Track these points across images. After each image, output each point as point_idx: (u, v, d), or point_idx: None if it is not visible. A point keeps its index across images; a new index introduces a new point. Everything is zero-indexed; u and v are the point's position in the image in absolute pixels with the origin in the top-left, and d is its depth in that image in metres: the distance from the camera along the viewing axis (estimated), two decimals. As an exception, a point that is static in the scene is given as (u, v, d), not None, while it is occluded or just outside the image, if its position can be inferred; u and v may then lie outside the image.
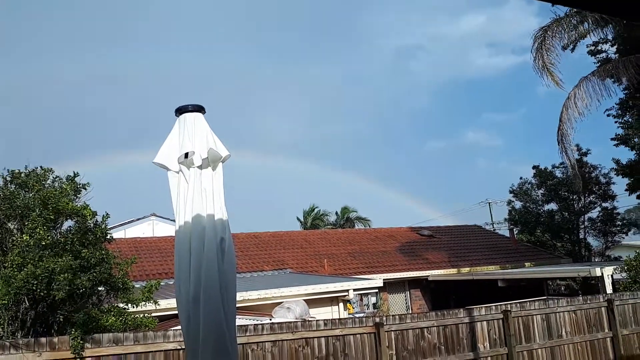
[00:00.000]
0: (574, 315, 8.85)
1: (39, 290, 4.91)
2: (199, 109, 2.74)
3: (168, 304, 9.26)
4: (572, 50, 14.52)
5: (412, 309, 18.19)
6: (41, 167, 6.00)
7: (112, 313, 5.89)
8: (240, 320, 7.47)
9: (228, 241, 2.57)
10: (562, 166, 23.66)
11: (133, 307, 6.41)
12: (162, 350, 5.92)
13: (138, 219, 25.00)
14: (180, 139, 2.63)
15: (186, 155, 2.59)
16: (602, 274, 13.00)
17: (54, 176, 5.98)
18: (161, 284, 9.79)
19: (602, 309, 9.16)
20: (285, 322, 7.04)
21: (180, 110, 2.70)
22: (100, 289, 6.07)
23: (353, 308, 12.76)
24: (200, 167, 2.62)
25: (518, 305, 8.51)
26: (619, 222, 25.88)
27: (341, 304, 11.73)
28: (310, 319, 9.13)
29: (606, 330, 9.05)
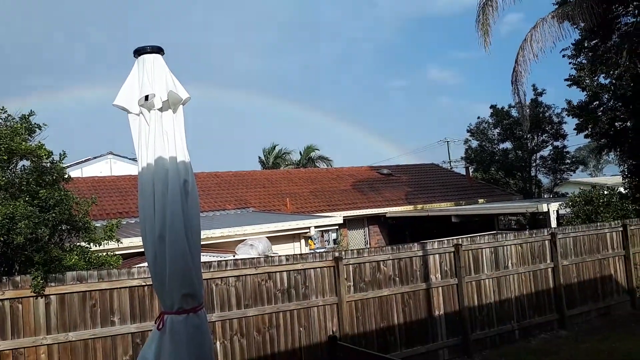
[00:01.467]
0: (520, 248, 9.46)
1: (-1, 235, 4.87)
2: (158, 50, 2.70)
3: (131, 242, 9.34)
4: None
5: (370, 244, 18.92)
6: (-8, 106, 5.76)
7: (75, 252, 5.93)
8: (204, 257, 7.66)
9: (191, 183, 2.63)
10: (517, 106, 24.31)
11: (95, 246, 6.45)
12: (126, 287, 6.06)
13: (95, 158, 24.40)
14: (139, 81, 2.61)
15: (146, 97, 2.59)
16: (549, 209, 13.80)
17: (6, 115, 5.77)
18: (122, 222, 9.81)
19: (546, 242, 9.82)
20: (249, 258, 7.27)
21: (138, 52, 2.65)
22: (61, 228, 6.06)
23: (314, 244, 13.18)
24: (160, 110, 2.63)
25: (469, 239, 9.02)
26: (568, 161, 27.14)
27: (303, 241, 12.10)
28: (272, 254, 9.42)
29: (548, 262, 9.76)
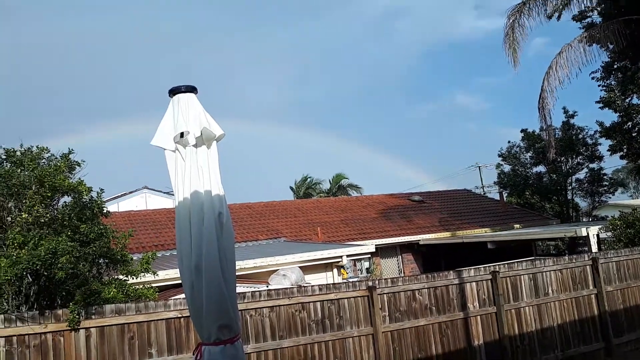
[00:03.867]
0: (559, 274, 9.17)
1: (42, 269, 5.05)
2: (192, 89, 2.83)
3: (166, 275, 9.50)
4: (558, 18, 14.52)
5: (404, 273, 18.64)
6: (37, 146, 6.07)
7: (113, 285, 6.07)
8: (237, 289, 7.70)
9: (226, 215, 2.71)
10: (545, 132, 24.01)
11: (133, 278, 6.59)
12: (163, 319, 6.13)
13: (130, 192, 25.11)
14: (174, 119, 2.73)
15: (182, 135, 2.70)
16: (588, 233, 13.36)
17: (49, 155, 6.05)
18: (157, 255, 10.01)
19: (587, 267, 9.48)
20: (282, 289, 7.27)
21: (173, 91, 2.78)
22: (99, 262, 6.23)
23: (347, 273, 13.09)
24: (195, 146, 2.73)
25: (506, 265, 8.80)
26: (605, 183, 26.34)
27: (335, 270, 12.04)
28: (305, 284, 9.40)
29: (591, 288, 9.40)
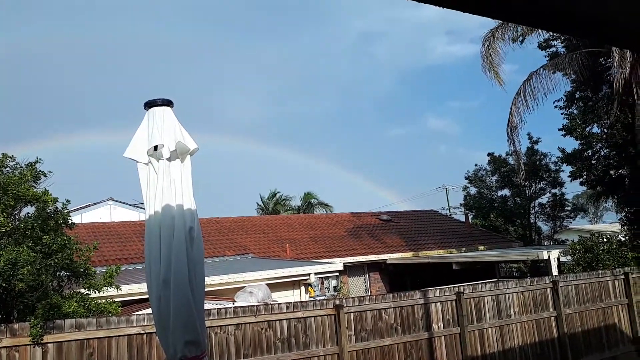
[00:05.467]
0: (522, 296, 9.38)
1: (0, 280, 4.88)
2: (168, 102, 2.84)
3: (130, 289, 9.26)
4: (521, 42, 15.13)
5: (371, 292, 18.69)
6: (2, 154, 5.89)
7: (75, 299, 5.90)
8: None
9: (197, 230, 2.70)
10: (513, 155, 24.74)
11: (95, 292, 6.42)
12: (125, 335, 5.98)
13: (95, 204, 24.47)
14: (149, 132, 2.73)
15: (155, 147, 2.69)
16: (549, 257, 13.74)
17: (14, 163, 5.88)
18: (121, 269, 9.76)
19: (548, 290, 9.74)
20: (248, 306, 7.20)
21: (149, 104, 2.78)
22: (61, 274, 6.05)
23: (314, 291, 13.05)
24: (169, 159, 2.73)
25: (470, 287, 8.96)
26: (567, 208, 27.21)
27: (303, 288, 11.99)
28: (272, 302, 9.32)
29: (551, 310, 9.65)
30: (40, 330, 5.35)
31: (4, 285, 4.98)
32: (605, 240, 13.14)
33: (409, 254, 19.35)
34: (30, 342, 5.44)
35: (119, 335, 5.94)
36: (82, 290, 6.26)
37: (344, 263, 14.82)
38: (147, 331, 5.97)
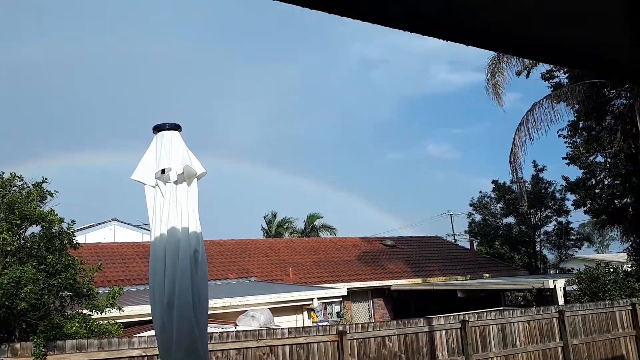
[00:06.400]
0: (527, 325, 9.26)
1: (4, 299, 4.88)
2: (176, 127, 2.88)
3: (132, 311, 9.21)
4: (527, 76, 15.33)
5: (374, 318, 18.48)
6: (10, 173, 5.96)
7: (77, 320, 5.88)
8: (204, 328, 7.50)
9: (201, 253, 2.72)
10: (516, 184, 24.76)
11: (97, 313, 6.39)
12: (126, 357, 5.94)
13: (99, 224, 24.51)
14: (157, 155, 2.77)
15: (163, 171, 2.73)
16: (555, 286, 13.59)
17: (21, 182, 5.94)
18: (124, 290, 9.73)
19: (554, 319, 9.61)
20: (250, 330, 7.15)
21: (157, 128, 2.83)
22: (63, 294, 6.05)
23: (317, 316, 12.92)
24: (176, 183, 2.76)
25: (475, 315, 8.86)
26: (572, 237, 27.00)
27: (305, 313, 11.88)
28: (274, 327, 9.24)
29: (557, 340, 9.50)
30: (43, 350, 5.33)
31: (6, 303, 4.98)
32: (611, 270, 13.01)
33: (413, 280, 19.18)
34: (31, 363, 5.41)
35: (120, 357, 5.90)
36: (85, 311, 6.24)
37: (347, 288, 14.70)
38: (148, 354, 5.93)
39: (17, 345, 5.42)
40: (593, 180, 16.58)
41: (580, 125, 16.13)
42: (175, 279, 2.60)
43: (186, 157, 2.79)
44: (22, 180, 5.93)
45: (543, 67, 14.97)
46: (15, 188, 5.94)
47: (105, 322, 6.37)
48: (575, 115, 15.46)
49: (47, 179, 6.07)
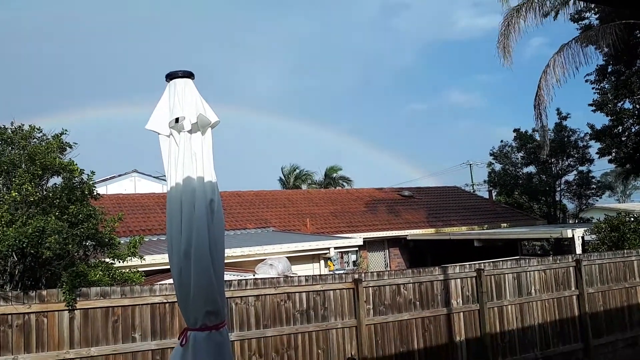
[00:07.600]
0: (543, 274, 9.29)
1: (29, 247, 5.02)
2: (189, 74, 2.81)
3: (153, 260, 9.48)
4: (555, 17, 14.58)
5: (390, 267, 18.76)
6: (30, 125, 6.01)
7: (100, 268, 6.06)
8: (224, 276, 7.70)
9: (217, 202, 2.71)
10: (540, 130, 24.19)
11: (119, 262, 6.58)
12: (148, 304, 6.14)
13: (119, 175, 24.94)
14: (170, 104, 2.72)
15: (177, 120, 2.69)
16: (573, 235, 13.55)
17: (41, 134, 5.99)
18: (145, 240, 9.98)
19: (571, 268, 9.62)
20: (268, 278, 7.30)
21: (170, 76, 2.77)
22: (86, 244, 6.21)
23: (334, 265, 13.16)
24: (190, 132, 2.73)
25: (491, 264, 8.90)
26: (593, 185, 26.63)
27: (322, 262, 12.10)
28: (292, 275, 9.43)
29: (573, 289, 9.54)
30: (72, 297, 5.52)
31: (32, 252, 5.13)
32: (632, 219, 12.85)
33: (430, 230, 19.29)
34: (61, 308, 5.62)
35: (142, 304, 6.10)
36: (107, 260, 6.41)
37: (363, 238, 14.87)
38: (169, 300, 6.11)
39: (44, 292, 5.63)
40: (620, 127, 16.14)
41: (609, 69, 15.53)
42: (191, 228, 2.61)
43: (200, 106, 2.74)
44: (42, 132, 5.98)
45: (573, 7, 14.21)
46: (35, 140, 6.00)
47: (127, 270, 6.55)
48: (604, 59, 14.86)
49: (66, 131, 6.11)
